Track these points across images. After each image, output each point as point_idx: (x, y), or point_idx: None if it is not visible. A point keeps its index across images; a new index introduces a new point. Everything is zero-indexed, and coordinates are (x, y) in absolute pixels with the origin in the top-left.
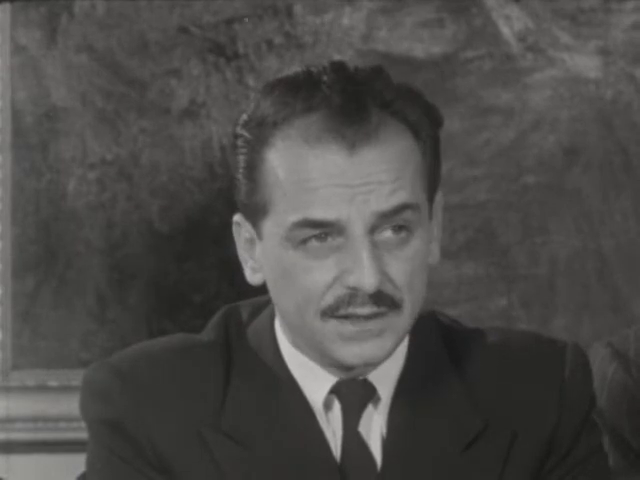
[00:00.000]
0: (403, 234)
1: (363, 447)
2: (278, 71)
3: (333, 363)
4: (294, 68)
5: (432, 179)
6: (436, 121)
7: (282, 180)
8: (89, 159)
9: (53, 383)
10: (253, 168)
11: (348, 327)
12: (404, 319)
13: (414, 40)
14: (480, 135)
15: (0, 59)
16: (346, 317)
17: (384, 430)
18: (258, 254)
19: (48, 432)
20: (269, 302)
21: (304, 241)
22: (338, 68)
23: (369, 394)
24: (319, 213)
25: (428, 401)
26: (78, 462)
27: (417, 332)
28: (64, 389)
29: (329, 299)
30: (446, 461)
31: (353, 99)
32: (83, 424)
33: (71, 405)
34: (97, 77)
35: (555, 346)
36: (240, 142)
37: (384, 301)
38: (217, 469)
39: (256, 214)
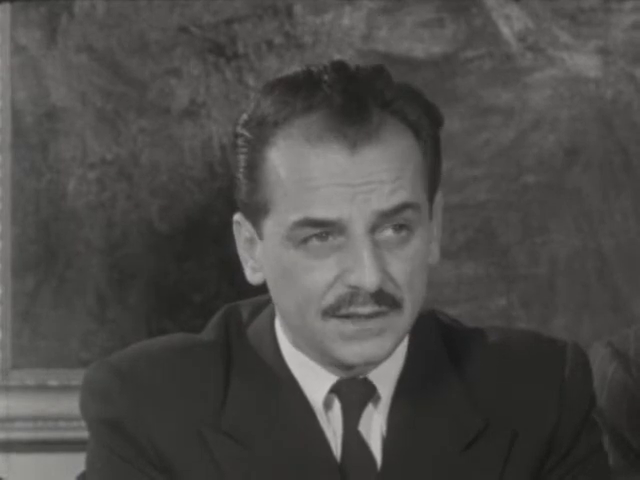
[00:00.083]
0: (404, 233)
1: (363, 446)
2: (278, 71)
3: (333, 362)
4: (294, 68)
5: (432, 179)
6: (436, 121)
7: (283, 179)
8: (89, 159)
9: (53, 383)
10: (254, 167)
11: (349, 326)
12: (404, 318)
13: (414, 40)
14: (480, 135)
15: (0, 59)
16: (347, 316)
17: (384, 429)
18: (258, 253)
19: (48, 431)
20: (269, 302)
21: (305, 240)
22: (339, 67)
23: (369, 393)
24: (320, 212)
25: (428, 400)
26: (78, 461)
27: (417, 331)
28: (64, 389)
29: (330, 298)
30: (446, 460)
31: (354, 98)
32: (83, 423)
33: (71, 405)
34: (97, 77)
35: (555, 346)
36: (241, 141)
37: (385, 300)
38: (217, 469)
39: (257, 213)
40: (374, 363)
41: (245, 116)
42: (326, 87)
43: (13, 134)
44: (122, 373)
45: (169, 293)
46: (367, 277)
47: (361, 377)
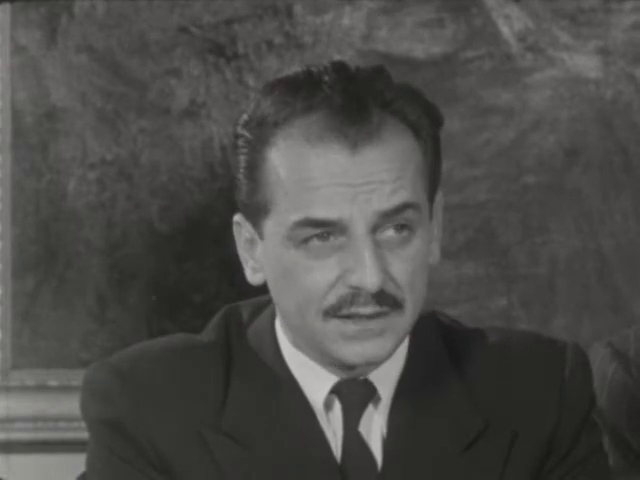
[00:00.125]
0: (405, 233)
1: (363, 447)
2: (278, 71)
3: (334, 362)
4: (294, 68)
5: (433, 179)
6: (436, 121)
7: (284, 179)
8: (89, 159)
9: (53, 383)
10: (254, 168)
11: (350, 326)
12: (405, 319)
13: (414, 40)
14: (480, 135)
15: (0, 59)
16: (349, 317)
17: (384, 430)
18: (259, 254)
19: (48, 432)
20: (269, 302)
21: (306, 240)
22: (339, 68)
23: (369, 394)
24: (321, 212)
25: (428, 401)
26: (78, 462)
27: (417, 332)
28: (64, 389)
29: (332, 299)
30: (446, 461)
31: (354, 99)
32: (83, 424)
33: (71, 405)
34: (97, 77)
35: (555, 346)
36: (241, 142)
37: (386, 301)
38: (217, 469)
39: (257, 214)
40: (375, 363)
41: (245, 116)
42: (326, 87)
43: (13, 134)
44: (122, 374)
45: (169, 293)
46: (368, 277)
47: (361, 378)
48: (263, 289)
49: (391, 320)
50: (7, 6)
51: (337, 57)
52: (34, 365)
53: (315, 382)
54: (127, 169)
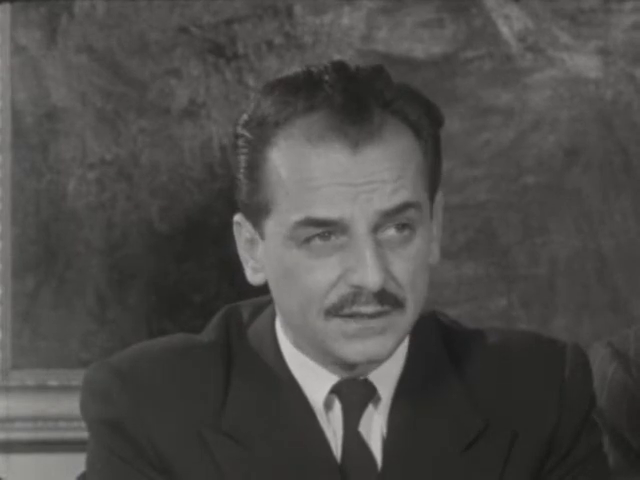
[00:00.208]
0: (406, 233)
1: (363, 447)
2: (278, 71)
3: (335, 361)
4: (294, 68)
5: (433, 178)
6: (437, 120)
7: (284, 179)
8: (89, 159)
9: (53, 383)
10: (255, 168)
11: (352, 325)
12: (406, 318)
13: (414, 40)
14: (480, 135)
15: (0, 59)
16: (350, 316)
17: (384, 430)
18: (259, 254)
19: (48, 432)
20: (270, 302)
21: (307, 240)
22: (339, 67)
23: (370, 394)
24: (322, 212)
25: (428, 401)
26: (78, 462)
27: (417, 332)
28: (64, 389)
29: (333, 298)
30: (446, 461)
31: (355, 98)
32: (83, 424)
33: (71, 405)
34: (97, 77)
35: (555, 346)
36: (241, 142)
37: (388, 300)
38: (217, 469)
39: (258, 214)
40: (376, 362)
41: (245, 116)
42: (327, 87)
43: (13, 134)
44: (122, 374)
45: (169, 293)
46: (370, 277)
47: (362, 378)
48: (263, 289)
49: (392, 319)
50: (7, 6)
51: (337, 57)
52: (34, 365)
53: (315, 382)
54: (127, 169)
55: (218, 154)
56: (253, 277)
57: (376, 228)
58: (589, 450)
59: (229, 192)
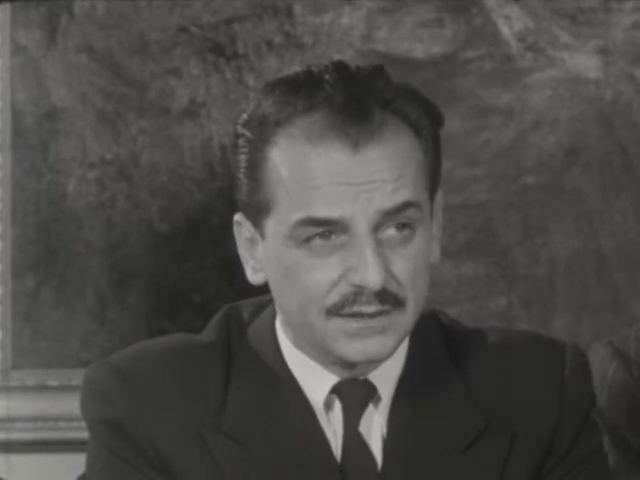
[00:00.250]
0: (406, 232)
1: (364, 447)
2: (278, 71)
3: (336, 361)
4: (294, 68)
5: (433, 178)
6: (437, 120)
7: (285, 178)
8: (89, 159)
9: (53, 383)
10: (255, 167)
11: (352, 324)
12: (407, 317)
13: (414, 40)
14: (480, 135)
15: (0, 59)
16: (351, 315)
17: (384, 430)
18: (260, 254)
19: (48, 432)
20: (270, 302)
21: (308, 239)
22: (340, 67)
23: (370, 394)
24: (323, 211)
25: (428, 401)
26: (78, 462)
27: (418, 332)
28: (64, 389)
29: (334, 297)
30: (446, 461)
31: (355, 98)
32: (83, 424)
33: (71, 405)
34: (97, 77)
35: (555, 346)
36: (241, 141)
37: (388, 299)
38: (217, 469)
39: (258, 213)
40: (376, 361)
41: (245, 116)
42: (327, 87)
43: (13, 134)
44: (122, 373)
45: (169, 293)
46: (370, 276)
47: (362, 378)
48: (263, 289)
49: (393, 318)
50: (7, 6)
51: (337, 57)
52: (34, 365)
53: (315, 382)
54: (127, 169)
55: (218, 154)
56: (253, 277)
57: (377, 227)
58: (589, 450)
59: (229, 192)
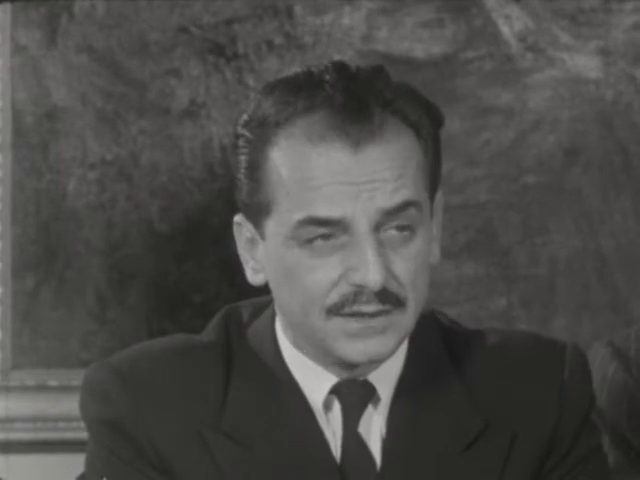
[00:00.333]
0: (407, 232)
1: (363, 447)
2: (278, 72)
3: (335, 361)
4: (294, 68)
5: (433, 178)
6: (437, 120)
7: (285, 179)
8: (89, 159)
9: (53, 383)
10: (255, 167)
11: (353, 324)
12: (408, 317)
13: (414, 40)
14: (480, 135)
15: (0, 59)
16: (352, 315)
17: (384, 430)
18: (260, 254)
19: (48, 432)
20: (270, 302)
21: (309, 240)
22: (340, 67)
23: (369, 394)
24: (323, 211)
25: (428, 401)
26: (78, 462)
27: (417, 333)
28: (64, 389)
29: (334, 297)
30: (446, 461)
31: (355, 98)
32: (83, 424)
33: (71, 405)
34: (97, 77)
35: (555, 347)
36: (241, 142)
37: (389, 299)
38: (217, 469)
39: (258, 214)
40: (377, 361)
41: (246, 116)
42: (327, 87)
43: (13, 134)
44: (122, 374)
45: (169, 293)
46: (371, 276)
47: (361, 379)
48: (263, 289)
49: (393, 318)
50: (7, 6)
51: (337, 57)
52: (34, 365)
53: (314, 382)
54: (127, 169)
55: (218, 154)
56: (253, 278)
57: (377, 227)
58: (589, 450)
59: (229, 192)
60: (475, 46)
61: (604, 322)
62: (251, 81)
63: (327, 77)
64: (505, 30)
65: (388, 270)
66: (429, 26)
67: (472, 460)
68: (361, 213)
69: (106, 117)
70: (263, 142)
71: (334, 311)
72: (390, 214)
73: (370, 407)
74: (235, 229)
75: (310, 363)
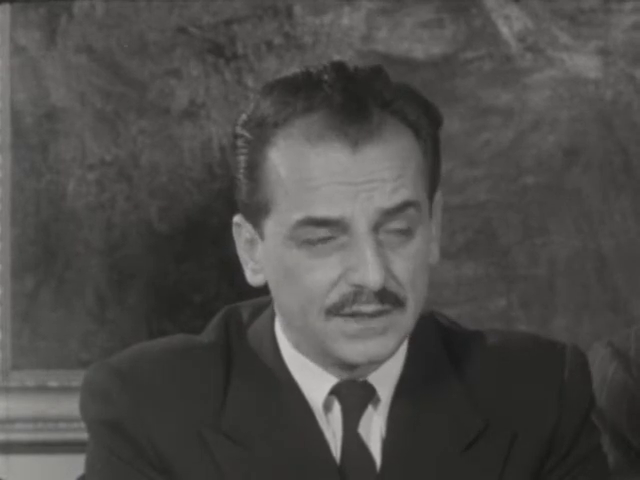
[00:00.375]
0: (406, 232)
1: (363, 448)
2: (277, 72)
3: (335, 362)
4: (293, 69)
5: (432, 178)
6: (436, 120)
7: (284, 179)
8: (88, 160)
9: (53, 383)
10: (254, 167)
11: (352, 325)
12: (407, 318)
13: (414, 40)
14: (480, 136)
15: (0, 59)
16: (351, 315)
17: (384, 431)
18: (259, 255)
19: (48, 433)
20: (270, 303)
21: (309, 241)
22: (338, 68)
23: (369, 395)
24: (322, 211)
25: (428, 402)
26: (78, 463)
27: (417, 334)
28: (64, 389)
29: (334, 297)
30: (446, 461)
31: (354, 98)
32: (83, 425)
33: (71, 406)
34: (97, 77)
35: (554, 347)
36: (240, 142)
37: (388, 299)
38: (217, 470)
39: (257, 214)
40: (377, 362)
41: (244, 117)
42: (326, 87)
43: (13, 135)
44: (122, 374)
45: (169, 293)
46: (370, 275)
47: (361, 379)
48: (263, 290)
49: (393, 318)
50: (7, 6)
51: (337, 57)
52: (34, 366)
53: (314, 383)
54: (127, 170)
55: (218, 154)
56: (253, 278)
57: (376, 227)
58: (589, 450)
59: (229, 192)
60: (475, 46)
61: (604, 322)
62: (250, 81)
63: (326, 77)
64: (505, 30)
65: (387, 270)
66: (429, 26)
67: (472, 460)
68: (360, 213)
69: (105, 117)
70: (262, 142)
71: (334, 311)
72: (389, 214)
73: (370, 408)
74: (234, 230)
75: (310, 364)
